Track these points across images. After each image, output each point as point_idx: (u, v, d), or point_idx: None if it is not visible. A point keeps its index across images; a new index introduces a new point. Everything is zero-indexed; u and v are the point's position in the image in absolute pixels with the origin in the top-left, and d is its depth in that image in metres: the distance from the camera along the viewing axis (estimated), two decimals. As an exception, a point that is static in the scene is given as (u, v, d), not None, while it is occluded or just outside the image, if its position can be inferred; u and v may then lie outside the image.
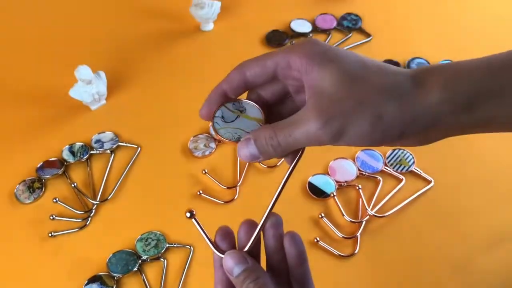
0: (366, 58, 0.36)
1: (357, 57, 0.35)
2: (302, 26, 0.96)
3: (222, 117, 0.40)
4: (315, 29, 0.96)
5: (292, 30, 0.95)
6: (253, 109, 0.41)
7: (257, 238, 0.40)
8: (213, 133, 0.41)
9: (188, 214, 0.41)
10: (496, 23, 0.96)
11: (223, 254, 0.40)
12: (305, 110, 0.35)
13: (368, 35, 0.94)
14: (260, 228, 0.40)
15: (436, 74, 0.34)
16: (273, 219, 0.41)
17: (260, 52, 0.44)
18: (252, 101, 0.41)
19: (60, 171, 0.73)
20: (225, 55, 0.90)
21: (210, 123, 0.40)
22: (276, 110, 0.42)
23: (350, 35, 0.95)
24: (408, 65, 0.88)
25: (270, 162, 0.74)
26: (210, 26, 0.95)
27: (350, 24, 0.96)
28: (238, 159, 0.74)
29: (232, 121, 0.40)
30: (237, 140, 0.39)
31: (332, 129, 0.33)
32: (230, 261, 0.39)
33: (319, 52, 0.35)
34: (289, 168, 0.40)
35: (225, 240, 0.41)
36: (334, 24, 0.96)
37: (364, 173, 0.73)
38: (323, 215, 0.67)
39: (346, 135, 0.34)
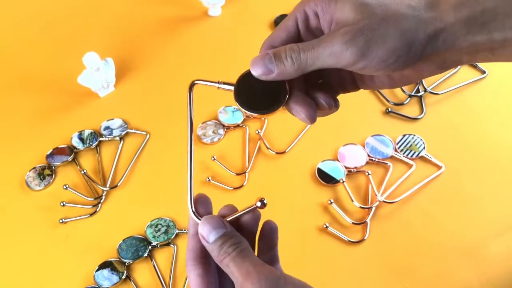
0: None
1: None
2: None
3: None
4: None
5: None
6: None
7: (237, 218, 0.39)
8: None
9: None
10: None
11: (199, 219, 0.38)
12: (329, 32, 0.35)
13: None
14: (244, 213, 0.39)
15: None
16: (254, 216, 0.40)
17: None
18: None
19: (69, 158, 0.73)
20: (233, 40, 0.89)
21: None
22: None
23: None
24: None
25: (279, 149, 0.73)
26: (218, 11, 0.94)
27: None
28: (247, 145, 0.74)
29: (255, 86, 0.38)
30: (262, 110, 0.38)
31: (358, 45, 0.34)
32: (207, 226, 0.37)
33: None
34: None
35: (202, 207, 0.39)
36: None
37: (373, 159, 0.72)
38: (332, 201, 0.67)
39: (372, 51, 0.34)
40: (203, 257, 0.38)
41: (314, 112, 0.38)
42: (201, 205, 0.40)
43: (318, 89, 0.39)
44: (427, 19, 0.34)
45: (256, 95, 0.38)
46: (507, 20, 0.33)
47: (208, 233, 0.36)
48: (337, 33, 0.34)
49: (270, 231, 0.40)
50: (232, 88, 0.39)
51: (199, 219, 0.38)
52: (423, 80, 0.82)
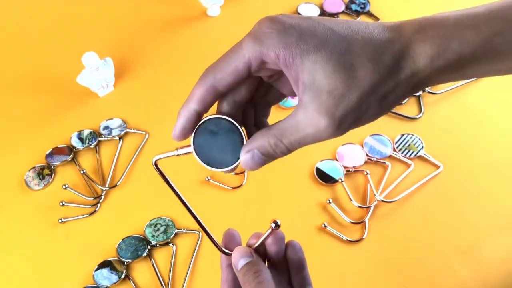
0: (345, 31, 0.33)
1: (337, 36, 0.33)
2: (309, 10, 0.95)
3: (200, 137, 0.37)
4: (323, 13, 0.94)
5: (299, 15, 0.94)
6: (232, 128, 0.36)
7: (263, 243, 0.42)
8: (196, 158, 0.38)
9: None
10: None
11: (229, 254, 0.41)
12: (308, 110, 0.33)
13: (376, 18, 0.93)
14: (265, 237, 0.41)
15: (423, 42, 0.33)
16: (276, 237, 0.42)
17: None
18: (226, 112, 0.37)
19: (69, 158, 0.73)
20: (232, 40, 0.88)
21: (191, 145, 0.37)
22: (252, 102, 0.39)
23: (359, 18, 0.93)
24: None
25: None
26: (217, 11, 0.94)
27: (358, 8, 0.95)
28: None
29: (212, 141, 0.37)
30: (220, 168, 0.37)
31: (345, 127, 0.33)
32: (237, 255, 0.40)
33: (293, 39, 0.32)
34: None
35: (231, 241, 0.43)
36: (342, 7, 0.95)
37: (372, 158, 0.73)
38: (331, 200, 0.67)
39: (359, 124, 0.34)
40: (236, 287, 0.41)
41: None
42: (230, 240, 0.43)
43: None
44: (404, 78, 0.33)
45: (216, 149, 0.36)
46: (482, 61, 0.33)
47: (237, 262, 0.40)
48: (321, 118, 0.32)
49: (293, 251, 0.42)
50: (191, 150, 0.37)
51: (230, 253, 0.41)
52: (421, 80, 0.82)
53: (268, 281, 0.39)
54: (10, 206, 0.69)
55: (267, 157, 0.36)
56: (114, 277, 0.61)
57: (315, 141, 0.34)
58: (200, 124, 0.36)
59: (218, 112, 0.37)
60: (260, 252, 0.42)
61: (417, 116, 0.78)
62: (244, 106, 0.38)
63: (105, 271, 0.62)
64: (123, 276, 0.62)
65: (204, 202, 0.68)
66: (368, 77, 0.32)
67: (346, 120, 0.32)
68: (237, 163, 0.36)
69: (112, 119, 0.78)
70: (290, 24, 0.33)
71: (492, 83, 0.83)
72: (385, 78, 0.32)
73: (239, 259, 0.40)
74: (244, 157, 0.36)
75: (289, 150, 0.35)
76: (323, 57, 0.32)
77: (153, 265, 0.63)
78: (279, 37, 0.33)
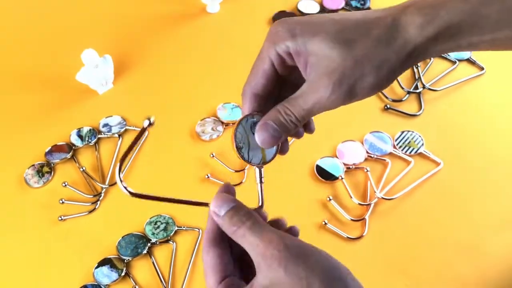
0: (338, 17, 0.38)
1: (331, 21, 0.37)
2: (309, 6, 0.94)
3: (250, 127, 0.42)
4: (323, 10, 0.94)
5: (299, 11, 0.94)
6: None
7: None
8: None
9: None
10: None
11: (206, 204, 0.41)
12: (310, 81, 0.37)
13: (376, 15, 0.93)
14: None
15: (412, 12, 0.36)
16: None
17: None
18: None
19: (68, 155, 0.73)
20: (231, 37, 0.89)
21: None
22: None
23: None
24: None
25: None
26: (216, 8, 0.94)
27: (358, 4, 0.95)
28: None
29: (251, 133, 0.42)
30: (240, 153, 0.42)
31: (342, 91, 0.36)
32: (217, 202, 0.39)
33: (296, 31, 0.37)
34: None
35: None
36: (342, 4, 0.95)
37: (372, 155, 0.72)
38: (331, 197, 0.67)
39: (357, 92, 0.37)
40: (221, 239, 0.39)
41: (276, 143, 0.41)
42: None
43: None
44: (397, 47, 0.36)
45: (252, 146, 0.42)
46: (472, 30, 0.35)
47: (219, 208, 0.38)
48: (320, 87, 0.36)
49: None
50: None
51: (206, 204, 0.41)
52: (421, 76, 0.82)
53: (262, 220, 0.37)
54: (9, 204, 0.69)
55: (281, 128, 0.39)
56: (114, 275, 0.61)
57: (318, 107, 0.37)
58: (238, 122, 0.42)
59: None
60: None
61: (417, 113, 0.78)
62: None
63: (105, 269, 0.62)
64: (123, 274, 0.62)
65: (204, 199, 0.68)
66: (361, 47, 0.36)
67: (341, 84, 0.36)
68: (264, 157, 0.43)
69: (111, 116, 0.78)
70: (293, 21, 0.38)
71: (492, 79, 0.83)
72: (378, 47, 0.36)
73: (221, 205, 0.38)
74: (258, 129, 0.39)
75: (297, 120, 0.38)
76: (321, 39, 0.37)
77: (153, 262, 0.63)
78: (286, 33, 0.38)
